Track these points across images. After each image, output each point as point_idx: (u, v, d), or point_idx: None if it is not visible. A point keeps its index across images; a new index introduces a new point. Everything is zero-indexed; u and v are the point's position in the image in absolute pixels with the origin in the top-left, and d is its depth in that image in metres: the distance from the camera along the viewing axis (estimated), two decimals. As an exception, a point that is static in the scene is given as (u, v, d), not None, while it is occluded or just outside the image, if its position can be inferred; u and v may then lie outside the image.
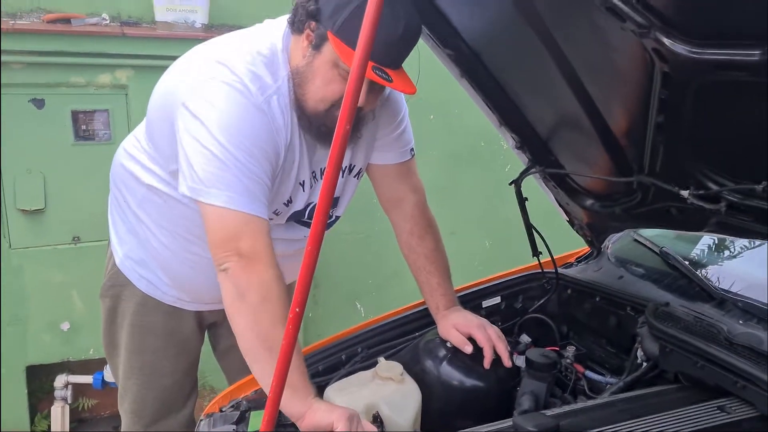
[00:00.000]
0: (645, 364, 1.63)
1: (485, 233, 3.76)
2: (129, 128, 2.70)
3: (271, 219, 1.59)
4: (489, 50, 1.62)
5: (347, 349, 1.75)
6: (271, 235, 1.48)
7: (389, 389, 1.53)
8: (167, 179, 1.60)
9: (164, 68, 2.54)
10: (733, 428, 1.27)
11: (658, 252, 1.85)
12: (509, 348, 1.67)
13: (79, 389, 3.02)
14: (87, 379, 2.91)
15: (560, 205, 2.02)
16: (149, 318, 1.82)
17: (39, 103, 2.57)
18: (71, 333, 2.82)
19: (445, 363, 1.61)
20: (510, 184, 1.88)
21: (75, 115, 2.63)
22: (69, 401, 2.95)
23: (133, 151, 1.72)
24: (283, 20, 1.58)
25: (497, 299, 1.97)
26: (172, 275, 1.75)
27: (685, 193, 1.46)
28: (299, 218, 1.70)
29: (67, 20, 2.53)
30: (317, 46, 1.43)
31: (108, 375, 2.84)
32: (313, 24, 1.43)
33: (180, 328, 1.85)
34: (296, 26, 1.48)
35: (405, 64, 1.50)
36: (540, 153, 1.84)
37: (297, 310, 1.06)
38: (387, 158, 1.76)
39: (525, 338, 1.88)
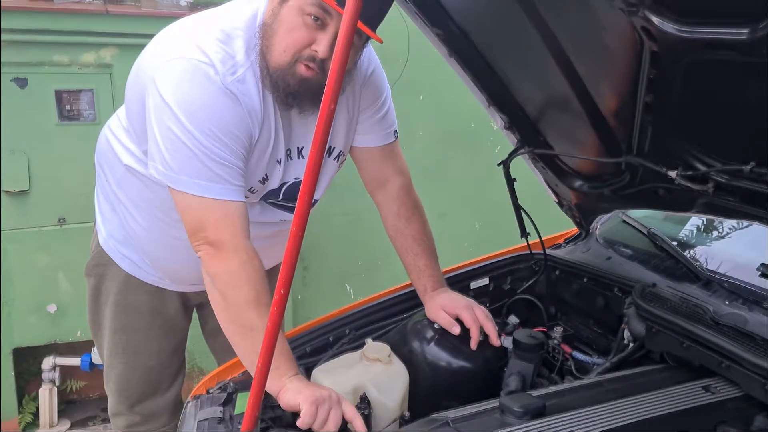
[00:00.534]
0: (631, 344, 1.64)
1: (475, 215, 3.76)
2: (114, 108, 2.65)
3: (246, 198, 1.57)
4: (478, 29, 1.60)
5: (335, 330, 1.75)
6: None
7: (376, 370, 1.53)
8: (143, 159, 1.58)
9: (150, 47, 2.55)
10: (717, 408, 1.28)
11: (645, 233, 1.85)
12: (497, 328, 1.66)
13: (66, 371, 3.01)
14: (75, 361, 2.90)
15: (549, 186, 2.01)
16: (133, 297, 1.81)
17: (22, 83, 2.53)
18: (58, 315, 2.80)
19: (432, 344, 1.61)
20: (499, 164, 1.87)
21: (59, 94, 2.59)
22: (57, 383, 2.94)
23: (115, 130, 1.70)
24: None
25: (485, 280, 1.97)
26: (152, 256, 1.74)
27: (672, 173, 1.46)
28: (274, 198, 1.67)
29: (49, -3, 2.49)
30: (282, 2, 1.40)
31: (96, 357, 2.84)
32: None
33: (164, 308, 1.84)
34: None
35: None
36: (529, 134, 1.83)
37: (282, 291, 1.05)
38: (370, 141, 1.74)
39: (513, 319, 1.89)
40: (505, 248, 2.11)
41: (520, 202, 1.93)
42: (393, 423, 1.47)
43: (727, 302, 1.49)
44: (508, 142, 2.43)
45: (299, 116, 1.56)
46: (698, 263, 1.70)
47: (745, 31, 0.97)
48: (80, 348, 2.91)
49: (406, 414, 1.50)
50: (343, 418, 1.36)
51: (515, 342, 1.64)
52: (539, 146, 1.84)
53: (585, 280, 1.87)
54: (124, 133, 1.65)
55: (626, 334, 1.65)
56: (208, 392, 1.56)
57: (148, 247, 1.72)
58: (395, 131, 1.78)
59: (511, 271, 2.01)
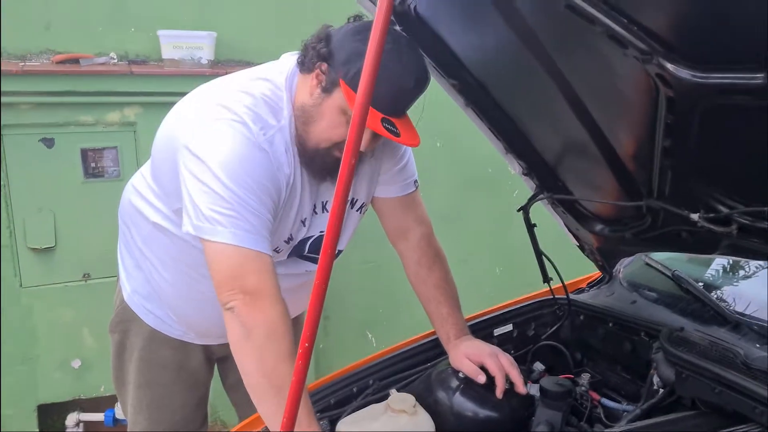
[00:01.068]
0: (661, 390, 1.61)
1: (495, 260, 3.75)
2: (137, 164, 2.72)
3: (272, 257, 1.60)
4: (493, 79, 1.62)
5: (358, 381, 1.73)
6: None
7: (402, 422, 1.51)
8: (172, 217, 1.61)
9: (172, 104, 2.59)
10: (754, 455, 1.25)
11: (670, 276, 1.83)
12: (522, 376, 1.64)
13: (90, 427, 3.00)
14: (98, 416, 2.90)
15: (570, 231, 2.00)
16: (157, 352, 1.82)
17: (49, 143, 2.60)
18: (82, 370, 2.81)
19: (458, 394, 1.59)
20: (518, 210, 1.87)
21: (84, 153, 2.65)
22: (81, 439, 2.93)
23: (140, 188, 1.74)
24: (286, 59, 1.60)
25: (509, 327, 1.95)
26: (179, 311, 1.75)
27: (695, 216, 1.45)
28: (300, 253, 1.70)
29: (75, 60, 2.57)
30: (327, 89, 1.45)
31: (119, 412, 2.83)
32: (324, 66, 1.45)
33: (188, 362, 1.85)
34: (306, 66, 1.49)
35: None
36: (547, 179, 1.84)
37: (306, 345, 1.06)
38: (390, 191, 1.77)
39: (538, 366, 1.86)
40: (526, 293, 2.10)
41: (540, 247, 1.93)
42: (421, 476, 1.45)
43: (758, 345, 1.46)
44: (525, 186, 2.43)
45: None
46: (725, 305, 1.68)
47: (760, 75, 0.98)
48: (104, 403, 2.90)
49: (434, 467, 1.47)
50: None
51: (542, 390, 1.61)
52: (558, 191, 1.85)
53: (610, 324, 1.85)
54: (150, 192, 1.68)
55: (655, 379, 1.62)
56: (232, 447, 1.55)
57: (175, 302, 1.74)
58: (415, 181, 1.80)
59: (535, 317, 1.99)
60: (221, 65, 2.77)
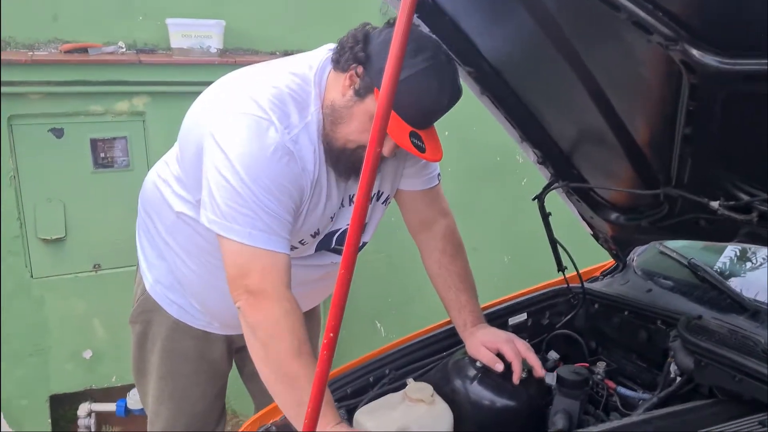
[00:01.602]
0: (678, 378, 1.60)
1: (504, 249, 3.74)
2: (147, 154, 2.71)
3: (296, 248, 1.60)
4: (510, 67, 1.61)
5: (375, 371, 1.73)
6: (299, 261, 1.48)
7: (420, 411, 1.51)
8: (197, 206, 1.61)
9: (181, 94, 2.61)
10: (776, 444, 1.24)
11: (686, 264, 1.82)
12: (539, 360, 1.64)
13: (102, 417, 3.01)
14: (110, 406, 2.90)
15: (584, 219, 2.00)
16: (180, 343, 1.82)
17: (58, 133, 2.58)
18: (93, 361, 2.81)
19: (475, 383, 1.59)
20: (533, 199, 1.86)
21: (94, 143, 2.64)
22: (92, 429, 2.94)
23: (165, 177, 1.72)
24: (320, 52, 1.58)
25: (523, 316, 1.95)
26: (203, 301, 1.75)
27: (714, 204, 1.44)
28: (328, 246, 1.71)
29: (84, 50, 2.56)
30: (360, 94, 1.44)
31: (131, 402, 2.84)
32: (360, 69, 1.43)
33: (210, 352, 1.85)
34: (341, 65, 1.48)
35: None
36: (562, 167, 1.83)
37: (331, 335, 1.06)
38: (415, 184, 1.77)
39: (553, 355, 1.86)
40: (535, 281, 2.10)
41: (558, 236, 1.92)
42: (440, 465, 1.45)
43: (777, 333, 1.46)
44: (535, 174, 2.41)
45: None
46: (742, 293, 1.67)
47: (790, 61, 0.96)
48: (115, 393, 2.91)
49: (453, 456, 1.48)
50: None
51: (560, 379, 1.61)
52: (573, 179, 1.84)
53: (626, 313, 1.84)
54: (175, 181, 1.67)
55: (673, 367, 1.61)
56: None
57: (199, 291, 1.73)
58: (438, 174, 1.80)
59: (549, 306, 1.99)
60: (230, 53, 2.75)
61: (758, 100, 1.13)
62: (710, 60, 1.09)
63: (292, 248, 1.58)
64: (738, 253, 2.12)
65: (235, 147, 1.40)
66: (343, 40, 1.49)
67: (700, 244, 2.08)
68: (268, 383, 1.45)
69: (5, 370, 2.67)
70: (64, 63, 2.52)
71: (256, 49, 2.85)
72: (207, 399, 1.88)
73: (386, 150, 1.46)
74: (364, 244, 1.79)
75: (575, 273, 1.95)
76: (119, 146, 2.68)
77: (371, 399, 1.63)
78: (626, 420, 1.44)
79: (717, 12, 1.04)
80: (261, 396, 1.86)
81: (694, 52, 1.11)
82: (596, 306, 1.95)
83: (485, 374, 1.60)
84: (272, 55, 2.86)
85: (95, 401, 2.93)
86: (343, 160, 1.52)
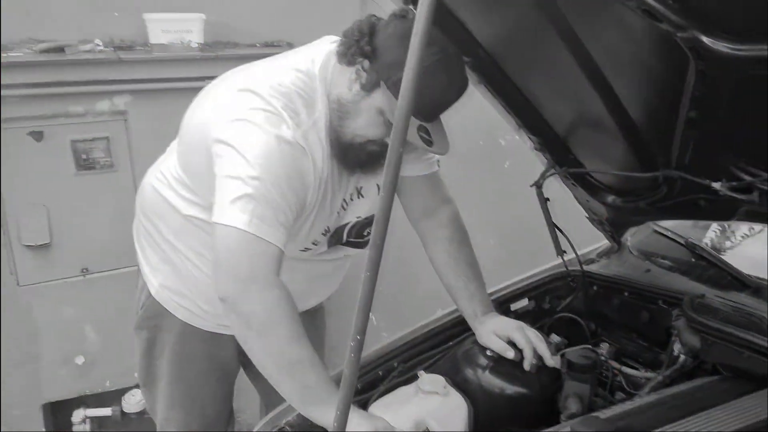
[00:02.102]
0: (682, 357, 1.63)
1: (489, 232, 3.75)
2: (130, 155, 2.65)
3: (310, 249, 1.60)
4: (507, 55, 1.61)
5: (383, 364, 1.73)
6: (311, 255, 1.53)
7: (435, 403, 1.51)
8: (208, 209, 1.58)
9: (163, 91, 2.55)
10: (789, 417, 1.27)
11: (683, 243, 1.85)
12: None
13: (97, 422, 2.97)
14: (105, 411, 2.87)
15: (579, 202, 2.01)
16: (190, 346, 1.80)
17: (38, 136, 2.51)
18: (86, 366, 2.76)
19: (486, 371, 1.60)
20: (531, 186, 1.87)
21: (75, 144, 2.57)
22: (88, 435, 2.90)
23: (167, 181, 1.69)
24: (322, 45, 1.56)
25: (525, 301, 1.97)
26: (211, 301, 1.72)
27: (717, 185, 1.46)
28: (339, 240, 1.70)
29: (60, 49, 2.48)
30: (367, 88, 1.43)
31: (127, 406, 2.80)
32: (366, 63, 1.42)
33: (220, 353, 1.83)
34: (347, 59, 1.46)
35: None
36: (559, 153, 1.83)
37: (358, 337, 1.06)
38: (415, 169, 1.75)
39: (555, 338, 1.88)
40: (521, 264, 2.11)
41: (542, 218, 1.92)
42: (458, 455, 1.46)
43: (780, 309, 1.49)
44: (518, 156, 2.39)
45: None
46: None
47: (802, 46, 0.97)
48: (109, 398, 2.87)
49: (471, 445, 1.49)
50: None
51: (569, 363, 1.63)
52: (570, 164, 1.85)
53: (626, 294, 1.87)
54: (180, 185, 1.64)
55: (677, 346, 1.64)
56: (264, 440, 1.54)
57: (209, 293, 1.70)
58: (438, 160, 1.78)
59: (549, 290, 2.01)
60: (210, 48, 2.69)
61: (763, 83, 1.15)
62: (721, 46, 1.10)
63: (306, 249, 1.57)
64: (721, 230, 2.17)
65: (244, 142, 1.38)
66: (349, 32, 1.47)
67: (688, 222, 2.12)
68: (269, 374, 1.42)
69: (-4, 381, 2.62)
70: (41, 64, 2.44)
71: (237, 41, 2.80)
72: (217, 401, 1.87)
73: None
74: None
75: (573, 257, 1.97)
76: (101, 147, 2.61)
77: (382, 393, 1.63)
78: (638, 401, 1.46)
79: (727, -2, 1.05)
80: (268, 394, 1.85)
81: (705, 39, 1.11)
82: (595, 288, 1.98)
83: (497, 363, 1.61)
84: (252, 47, 2.81)
85: (89, 407, 2.89)
86: (351, 155, 1.51)
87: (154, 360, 1.84)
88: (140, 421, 2.84)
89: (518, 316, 1.92)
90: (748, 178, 1.41)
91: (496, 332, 1.64)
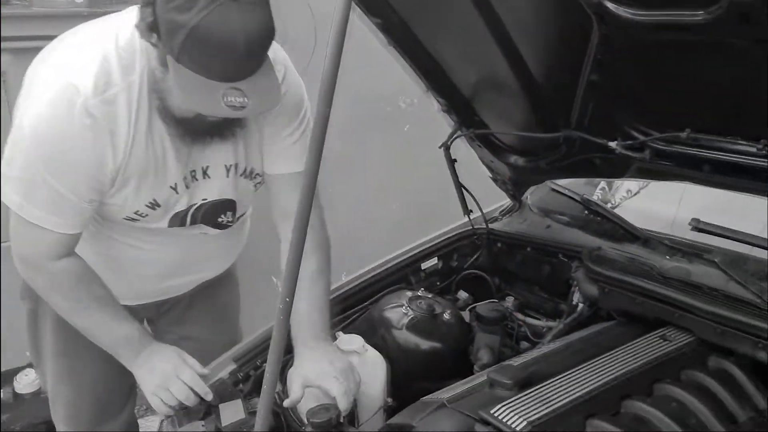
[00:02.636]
0: (581, 305, 1.76)
1: (391, 196, 3.81)
2: (10, 119, 2.45)
3: (136, 220, 1.52)
4: (418, 17, 1.63)
5: (299, 328, 1.74)
6: (170, 231, 1.56)
7: (354, 362, 1.54)
8: None
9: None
10: (678, 353, 1.41)
11: (579, 200, 1.97)
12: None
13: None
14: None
15: (484, 163, 2.08)
16: None
17: None
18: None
19: (403, 329, 1.64)
20: (439, 147, 1.92)
21: (-55, 107, 2.35)
22: (-24, 419, 2.72)
23: None
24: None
25: (434, 260, 2.03)
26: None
27: (613, 144, 1.57)
28: (181, 223, 1.58)
29: (-77, 2, 2.24)
30: (164, 64, 1.27)
31: (19, 387, 2.65)
32: (154, 38, 1.25)
33: None
34: (140, 33, 1.29)
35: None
36: (466, 115, 1.89)
37: (287, 299, 1.06)
38: (285, 166, 1.58)
39: (463, 295, 1.97)
40: (423, 226, 2.16)
41: (443, 180, 1.98)
42: (378, 411, 1.50)
43: (668, 257, 1.63)
44: (417, 120, 2.42)
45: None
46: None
47: (700, 12, 1.06)
48: (1, 379, 2.70)
49: (390, 401, 1.53)
50: None
51: (479, 316, 1.71)
52: (475, 126, 1.91)
53: (528, 249, 1.97)
54: None
55: (576, 296, 1.76)
56: (181, 408, 1.52)
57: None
58: None
59: (456, 249, 2.08)
60: (99, 3, 2.52)
61: (662, 46, 1.24)
62: (624, 12, 1.18)
63: (132, 219, 1.51)
64: (604, 190, 2.33)
65: (29, 121, 1.33)
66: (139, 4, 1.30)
67: (581, 181, 2.26)
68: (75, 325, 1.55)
69: None
70: None
71: (127, -1, 2.63)
72: (110, 375, 1.74)
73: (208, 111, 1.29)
74: (238, 218, 1.69)
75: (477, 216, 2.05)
76: (-24, 109, 2.40)
77: (300, 355, 1.64)
78: (545, 349, 1.56)
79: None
80: None
81: (608, 4, 1.19)
82: (499, 245, 2.07)
83: (411, 321, 1.65)
84: (144, 4, 2.65)
85: (-25, 389, 2.70)
86: (189, 130, 1.40)
87: (38, 332, 1.76)
88: (34, 401, 2.69)
89: (429, 274, 1.99)
90: (641, 137, 1.52)
91: (307, 380, 1.44)
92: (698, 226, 1.61)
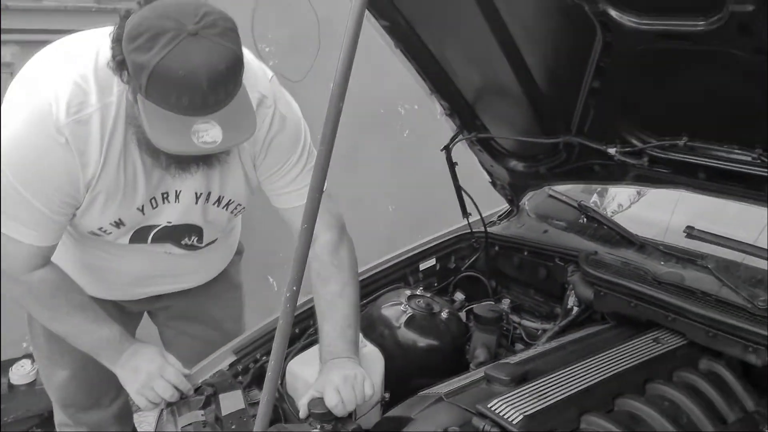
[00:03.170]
0: (576, 308, 1.79)
1: (388, 198, 3.85)
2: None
3: (98, 235, 1.54)
4: (425, 21, 1.66)
5: (299, 323, 1.76)
6: (139, 248, 1.60)
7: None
8: None
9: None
10: (670, 356, 1.44)
11: (576, 206, 2.00)
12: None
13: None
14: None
15: (484, 167, 2.12)
16: None
17: None
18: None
19: (402, 327, 1.67)
20: (441, 150, 1.95)
21: (-48, 98, 2.37)
22: (-32, 409, 2.72)
23: None
24: None
25: (432, 261, 2.06)
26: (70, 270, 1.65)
27: (612, 150, 1.61)
28: (143, 240, 1.59)
29: (-65, -7, 2.27)
30: (135, 98, 1.27)
31: (15, 378, 2.65)
32: (125, 75, 1.26)
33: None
34: (113, 70, 1.28)
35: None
36: (468, 119, 1.92)
37: (294, 288, 1.08)
38: (295, 200, 1.57)
39: (459, 296, 2.00)
40: (418, 229, 2.18)
41: (439, 185, 2.01)
42: (376, 405, 1.52)
43: (662, 263, 1.66)
44: (417, 125, 2.42)
45: None
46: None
47: (701, 22, 1.10)
48: (-6, 369, 2.70)
49: (386, 395, 1.55)
50: None
51: (476, 316, 1.74)
52: (477, 130, 1.94)
53: (525, 253, 2.00)
54: None
55: (571, 299, 1.80)
56: (182, 398, 1.54)
57: (63, 262, 1.63)
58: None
59: (455, 251, 2.11)
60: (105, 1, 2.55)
61: (666, 55, 1.28)
62: (627, 20, 1.22)
63: (95, 234, 1.52)
64: (598, 201, 2.37)
65: (6, 134, 1.34)
66: (112, 34, 1.29)
67: (580, 186, 2.29)
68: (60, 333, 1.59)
69: None
70: None
71: (135, -6, 2.66)
72: (101, 364, 1.77)
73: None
74: (208, 244, 1.71)
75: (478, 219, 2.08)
76: (-17, 101, 2.42)
77: (300, 350, 1.67)
78: (541, 348, 1.59)
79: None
80: (184, 363, 1.78)
81: (613, 12, 1.22)
82: (497, 248, 2.10)
83: (410, 319, 1.68)
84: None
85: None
86: (164, 156, 1.38)
87: (33, 319, 1.77)
88: (29, 393, 2.69)
89: (426, 275, 2.02)
90: (639, 144, 1.56)
91: (316, 387, 1.46)
92: (692, 234, 1.65)
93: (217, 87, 1.21)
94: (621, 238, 1.83)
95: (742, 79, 1.22)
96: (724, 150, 1.40)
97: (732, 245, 1.59)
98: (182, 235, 1.63)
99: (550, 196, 2.17)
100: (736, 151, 1.38)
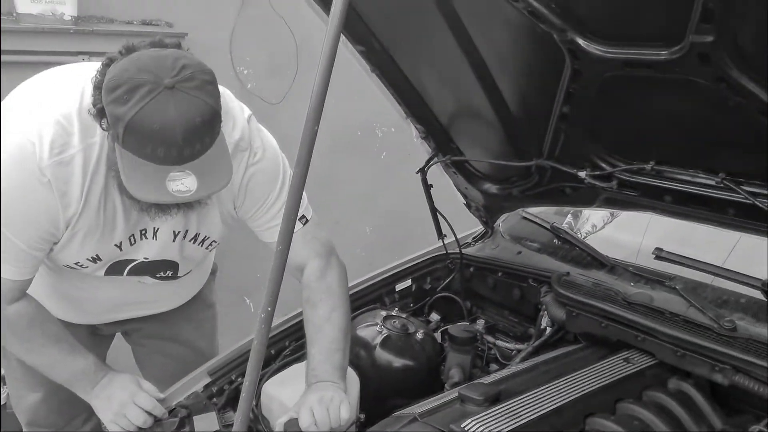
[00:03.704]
0: (549, 329, 1.81)
1: (365, 220, 3.87)
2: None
3: (74, 269, 1.55)
4: (400, 46, 1.70)
5: (274, 344, 1.77)
6: (111, 278, 1.60)
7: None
8: None
9: (32, 65, 2.39)
10: (640, 376, 1.47)
11: (548, 228, 2.04)
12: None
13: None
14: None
15: (458, 190, 2.15)
16: None
17: None
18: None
19: (378, 348, 1.68)
20: (417, 173, 1.98)
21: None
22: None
23: None
24: None
25: (408, 282, 2.07)
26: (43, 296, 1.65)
27: (582, 173, 1.65)
28: (118, 273, 1.60)
29: None
30: (114, 145, 1.29)
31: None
32: (105, 122, 1.27)
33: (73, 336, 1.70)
34: (94, 117, 1.30)
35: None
36: (442, 142, 1.96)
37: (269, 309, 1.10)
38: (275, 235, 1.47)
39: (434, 317, 2.02)
40: (395, 251, 2.19)
41: (415, 207, 2.03)
42: (351, 426, 1.53)
43: (632, 284, 1.70)
44: (394, 148, 2.45)
45: None
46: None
47: (663, 52, 1.14)
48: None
49: (361, 416, 1.56)
50: None
51: (451, 337, 1.76)
52: (452, 153, 1.98)
53: (499, 274, 2.03)
54: None
55: (544, 320, 1.82)
56: (156, 420, 1.53)
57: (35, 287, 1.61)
58: (303, 216, 1.63)
59: (430, 272, 2.13)
60: (84, 21, 2.56)
61: (630, 82, 1.32)
62: (594, 49, 1.26)
63: (71, 267, 1.53)
64: (573, 222, 2.41)
65: None
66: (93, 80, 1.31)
67: (554, 208, 2.34)
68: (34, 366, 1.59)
69: None
70: None
71: (112, 17, 2.68)
72: None
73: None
74: (187, 272, 1.73)
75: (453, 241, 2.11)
76: (-43, 121, 2.41)
77: (275, 371, 1.67)
78: (514, 368, 1.61)
79: (604, 6, 1.21)
80: (157, 383, 1.77)
81: (581, 41, 1.27)
82: (471, 269, 2.12)
83: (387, 339, 1.69)
84: (129, 24, 2.71)
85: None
86: (145, 204, 1.39)
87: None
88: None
89: (402, 295, 2.03)
90: (608, 168, 1.60)
91: (294, 408, 1.47)
92: (661, 255, 1.69)
93: (192, 140, 1.23)
94: (592, 259, 1.86)
95: (704, 106, 1.26)
96: (689, 174, 1.45)
97: (699, 266, 1.63)
98: (158, 269, 1.64)
99: (524, 218, 2.21)
100: (701, 175, 1.43)
